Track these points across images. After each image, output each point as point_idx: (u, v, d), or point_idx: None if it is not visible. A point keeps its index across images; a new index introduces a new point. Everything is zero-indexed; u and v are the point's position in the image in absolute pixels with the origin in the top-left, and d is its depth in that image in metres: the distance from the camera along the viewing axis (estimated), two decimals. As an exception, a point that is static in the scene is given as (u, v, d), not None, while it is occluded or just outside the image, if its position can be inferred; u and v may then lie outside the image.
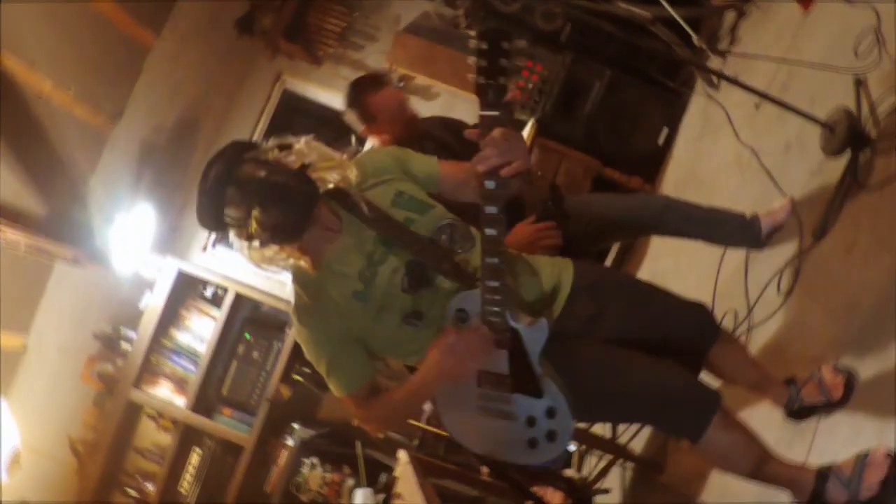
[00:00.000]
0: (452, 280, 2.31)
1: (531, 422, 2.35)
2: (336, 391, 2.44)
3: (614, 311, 2.44)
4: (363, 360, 2.42)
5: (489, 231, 2.14)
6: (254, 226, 2.20)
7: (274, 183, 2.21)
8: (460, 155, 3.65)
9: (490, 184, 2.09)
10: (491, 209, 2.11)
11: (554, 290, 2.43)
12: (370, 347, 2.41)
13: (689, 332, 2.50)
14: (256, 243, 2.26)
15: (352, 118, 3.62)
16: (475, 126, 2.14)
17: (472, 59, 1.96)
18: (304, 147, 2.29)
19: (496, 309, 2.23)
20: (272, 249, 2.28)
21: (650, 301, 2.53)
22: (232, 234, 2.28)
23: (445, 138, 3.72)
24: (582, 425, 3.63)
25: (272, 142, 2.31)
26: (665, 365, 2.37)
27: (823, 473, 2.33)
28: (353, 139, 4.07)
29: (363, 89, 3.61)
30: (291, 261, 2.34)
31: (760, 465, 2.38)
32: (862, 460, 2.29)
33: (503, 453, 2.51)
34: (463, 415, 2.43)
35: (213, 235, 5.98)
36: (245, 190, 2.21)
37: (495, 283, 2.19)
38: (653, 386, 2.32)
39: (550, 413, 2.33)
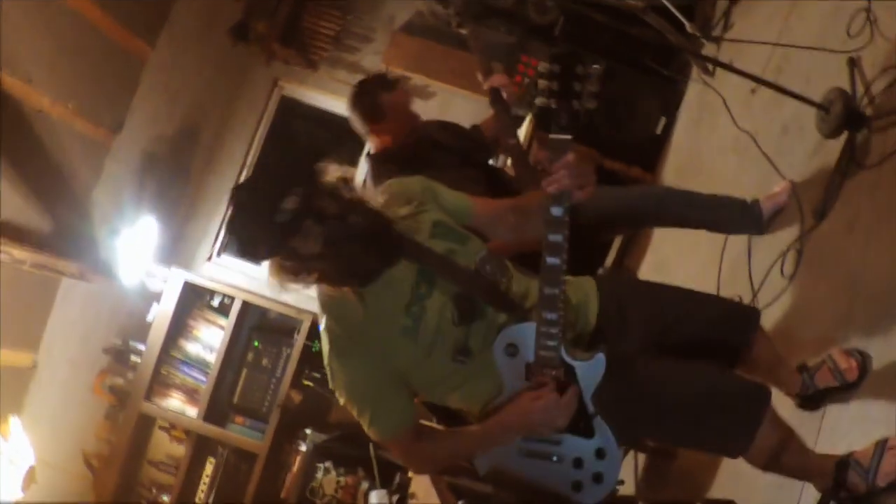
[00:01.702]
0: (500, 311, 2.21)
1: (578, 463, 2.23)
2: (380, 434, 2.27)
3: (641, 318, 2.35)
4: (408, 401, 2.28)
5: (551, 260, 2.03)
6: (324, 265, 2.07)
7: (359, 226, 2.08)
8: (458, 154, 3.67)
9: (556, 210, 2.00)
10: (555, 237, 2.01)
11: (584, 306, 2.34)
12: (412, 385, 2.28)
13: (724, 325, 2.41)
14: (299, 277, 2.10)
15: (357, 116, 3.60)
16: (542, 147, 2.10)
17: (542, 83, 1.92)
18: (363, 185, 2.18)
19: (552, 343, 2.11)
20: (308, 281, 2.14)
21: (677, 300, 2.44)
22: (277, 265, 2.10)
23: (446, 140, 3.73)
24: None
25: (333, 169, 2.15)
26: (710, 367, 2.28)
27: (843, 462, 2.30)
28: (367, 150, 4.03)
29: (375, 89, 3.59)
30: (325, 289, 2.21)
31: (789, 456, 2.31)
32: (880, 447, 2.27)
33: (542, 499, 2.35)
34: (502, 458, 2.28)
35: (218, 245, 5.99)
36: (330, 229, 2.05)
37: (553, 316, 2.08)
38: (697, 391, 2.20)
39: (600, 454, 2.21)
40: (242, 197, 2.10)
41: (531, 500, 2.37)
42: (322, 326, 2.26)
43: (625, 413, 2.21)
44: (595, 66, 1.95)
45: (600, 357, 2.15)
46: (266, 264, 2.14)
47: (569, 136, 1.99)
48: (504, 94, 3.52)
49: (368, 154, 3.71)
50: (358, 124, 3.62)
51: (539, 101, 1.97)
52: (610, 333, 2.31)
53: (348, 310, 2.19)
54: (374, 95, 3.56)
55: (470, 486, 3.71)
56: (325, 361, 2.26)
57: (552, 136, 1.98)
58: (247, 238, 2.09)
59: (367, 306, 2.18)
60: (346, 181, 2.16)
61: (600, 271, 4.83)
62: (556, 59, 1.92)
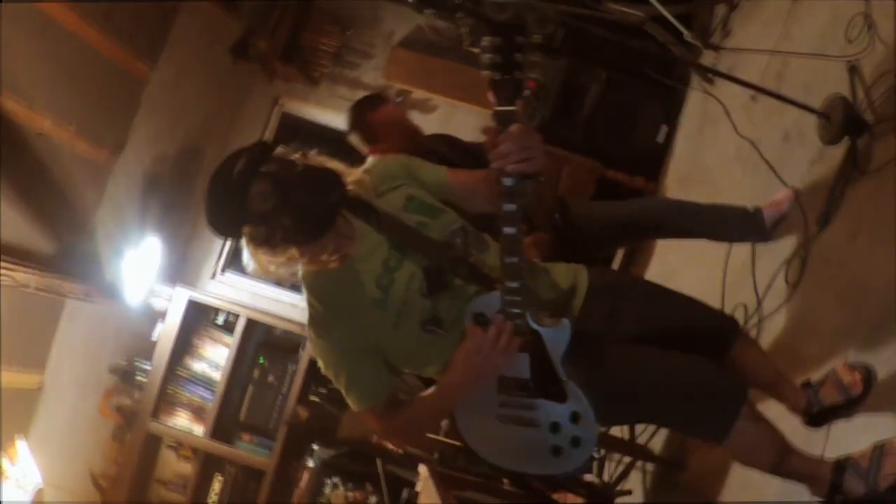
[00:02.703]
0: (470, 282, 2.26)
1: (555, 428, 2.28)
2: (355, 405, 2.36)
3: (632, 309, 2.40)
4: (383, 372, 2.34)
5: (508, 229, 2.06)
6: (282, 219, 2.08)
7: (307, 173, 2.13)
8: (461, 167, 3.67)
9: (508, 180, 2.01)
10: (509, 206, 2.04)
11: (571, 287, 2.40)
12: (388, 359, 2.35)
13: (709, 329, 2.46)
14: (271, 246, 2.13)
15: (356, 140, 3.62)
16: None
17: (485, 55, 1.90)
18: (318, 156, 2.23)
19: (517, 310, 2.16)
20: (284, 255, 2.16)
21: (667, 299, 2.50)
22: (247, 236, 2.14)
23: (447, 153, 3.73)
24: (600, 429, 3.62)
25: (287, 148, 2.22)
26: (689, 357, 2.31)
27: (840, 466, 2.30)
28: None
29: (363, 109, 3.62)
30: (302, 268, 2.27)
31: (782, 458, 2.35)
32: (879, 450, 2.26)
33: (526, 465, 2.44)
34: (482, 425, 2.36)
35: (221, 262, 5.99)
36: (276, 180, 2.09)
37: (515, 284, 2.12)
38: (678, 379, 2.26)
39: (575, 418, 2.26)
40: (208, 185, 2.17)
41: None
42: (304, 300, 2.33)
43: (605, 395, 2.25)
44: (536, 34, 1.93)
45: (565, 322, 2.20)
46: (250, 258, 2.18)
47: (512, 108, 1.97)
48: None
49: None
50: (357, 147, 3.64)
51: (483, 73, 1.94)
52: (594, 320, 2.36)
53: (325, 284, 2.28)
54: (363, 116, 3.58)
55: (476, 498, 3.71)
56: (307, 330, 2.34)
57: (497, 108, 1.96)
58: (210, 213, 2.16)
59: (342, 278, 2.26)
60: (304, 155, 2.21)
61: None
62: (496, 31, 1.89)
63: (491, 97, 1.94)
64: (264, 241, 2.13)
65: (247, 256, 2.19)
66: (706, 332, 2.45)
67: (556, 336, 2.21)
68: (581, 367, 2.25)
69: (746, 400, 2.28)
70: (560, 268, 2.47)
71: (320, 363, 2.36)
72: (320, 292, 2.30)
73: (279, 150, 2.21)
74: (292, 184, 2.10)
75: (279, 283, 5.95)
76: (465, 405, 2.35)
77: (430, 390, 2.36)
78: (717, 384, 2.30)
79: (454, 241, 2.30)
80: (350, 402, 2.37)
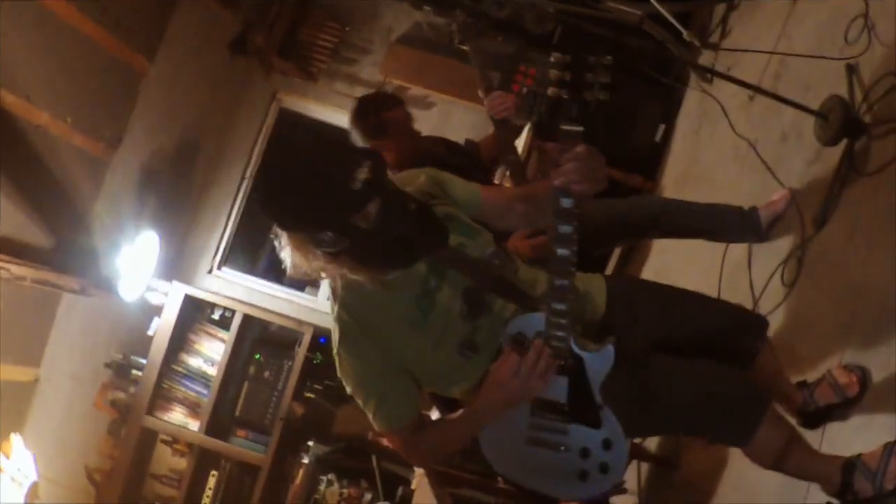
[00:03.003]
0: (511, 301, 2.20)
1: (585, 453, 2.21)
2: (383, 427, 2.27)
3: (649, 315, 2.35)
4: (412, 394, 2.27)
5: (561, 251, 2.00)
6: (370, 243, 2.01)
7: (423, 211, 2.08)
8: (457, 171, 3.68)
9: (566, 201, 1.96)
10: (565, 228, 1.98)
11: (591, 303, 2.34)
12: (416, 377, 2.28)
13: (732, 330, 2.41)
14: (337, 256, 2.05)
15: (358, 131, 3.61)
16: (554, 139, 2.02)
17: (553, 73, 1.88)
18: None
19: (561, 334, 2.09)
20: (337, 266, 2.09)
21: (685, 300, 2.44)
22: (315, 238, 2.03)
23: (444, 155, 3.73)
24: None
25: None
26: (711, 365, 2.28)
27: (850, 465, 2.28)
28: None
29: (378, 106, 3.61)
30: (340, 279, 2.18)
31: (798, 458, 2.32)
32: (888, 450, 2.25)
33: (548, 486, 2.36)
34: (509, 446, 2.27)
35: (218, 258, 5.99)
36: (392, 205, 2.02)
37: (562, 307, 2.06)
38: (702, 388, 2.22)
39: (607, 445, 2.20)
40: (316, 162, 2.03)
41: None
42: (333, 314, 2.24)
43: (631, 408, 2.21)
44: (608, 56, 1.91)
45: (609, 349, 2.14)
46: (298, 256, 2.08)
47: (580, 128, 1.95)
48: (504, 115, 3.56)
49: None
50: (358, 139, 3.63)
51: (551, 91, 1.91)
52: (617, 328, 2.29)
53: (361, 299, 2.18)
54: (376, 112, 3.57)
55: (472, 496, 3.70)
56: (334, 350, 2.25)
57: (563, 126, 1.94)
58: (309, 203, 2.01)
59: (380, 297, 2.17)
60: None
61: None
62: (569, 49, 1.89)
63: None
64: (337, 251, 2.05)
65: (289, 254, 2.08)
66: (729, 335, 2.40)
67: (599, 362, 2.15)
68: (606, 384, 2.19)
69: (770, 405, 2.25)
70: (578, 281, 2.32)
71: (347, 383, 2.27)
72: (355, 310, 2.20)
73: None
74: (405, 215, 2.04)
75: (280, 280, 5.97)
76: (493, 424, 2.27)
77: (460, 412, 2.27)
78: (741, 391, 2.26)
79: (493, 261, 2.23)
80: (377, 423, 2.28)
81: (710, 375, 2.25)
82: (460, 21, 3.58)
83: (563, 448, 2.23)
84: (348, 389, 2.27)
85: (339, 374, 2.27)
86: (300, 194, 2.02)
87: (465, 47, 3.71)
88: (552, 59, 1.90)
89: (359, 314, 2.20)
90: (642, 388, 2.21)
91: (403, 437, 2.30)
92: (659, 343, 2.32)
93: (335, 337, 2.24)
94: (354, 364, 2.23)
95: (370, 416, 2.27)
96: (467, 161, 3.78)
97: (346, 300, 2.21)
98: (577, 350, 2.14)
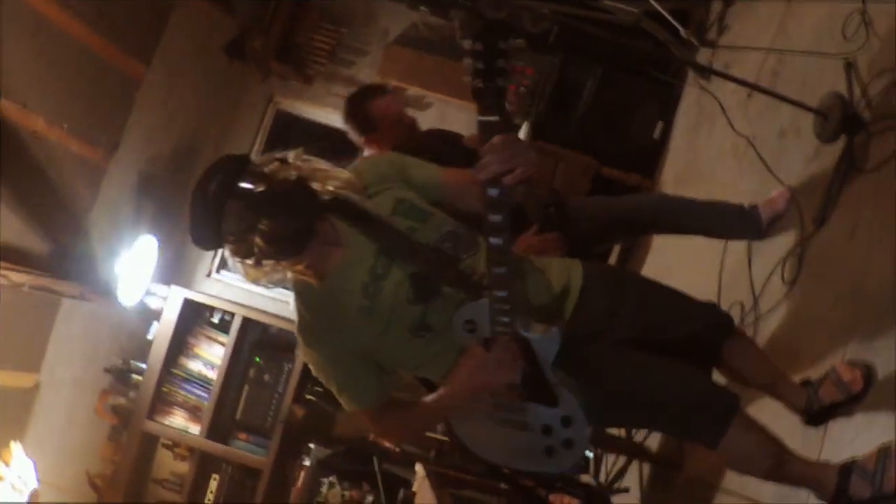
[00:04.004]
0: (458, 290, 2.23)
1: (547, 431, 2.30)
2: (349, 408, 2.39)
3: (630, 304, 2.39)
4: (375, 375, 2.34)
5: (494, 240, 2.05)
6: (257, 240, 2.10)
7: (276, 194, 2.12)
8: (453, 164, 3.66)
9: (493, 192, 1.99)
10: (495, 217, 2.02)
11: (564, 289, 2.38)
12: (380, 362, 2.35)
13: (703, 326, 2.45)
14: (253, 260, 2.15)
15: (351, 128, 3.60)
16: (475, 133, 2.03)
17: (467, 62, 1.85)
18: (299, 160, 2.21)
19: (506, 319, 2.16)
20: (270, 265, 2.18)
21: (662, 294, 2.50)
22: (229, 251, 2.18)
23: (440, 148, 3.71)
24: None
25: (265, 156, 2.22)
26: (683, 368, 2.33)
27: (846, 469, 2.29)
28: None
29: (363, 98, 3.60)
30: (291, 275, 2.27)
31: (780, 465, 2.34)
32: (885, 452, 2.25)
33: (520, 463, 2.49)
34: (477, 426, 2.39)
35: (217, 261, 5.99)
36: (248, 202, 2.11)
37: (503, 294, 2.12)
38: (672, 391, 2.27)
39: (566, 421, 2.27)
40: (190, 201, 2.19)
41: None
42: (292, 303, 2.34)
43: (595, 399, 2.27)
44: (518, 39, 1.88)
45: (555, 331, 2.20)
46: (237, 267, 2.21)
47: (495, 118, 1.92)
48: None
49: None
50: (353, 136, 3.62)
51: (465, 81, 1.88)
52: (594, 311, 2.36)
53: (312, 292, 2.27)
54: (363, 105, 3.57)
55: (473, 497, 3.71)
56: (297, 336, 2.37)
57: (480, 118, 1.92)
58: (192, 230, 2.19)
59: (327, 287, 2.25)
60: (278, 160, 2.20)
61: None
62: (478, 37, 1.83)
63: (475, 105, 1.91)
64: (245, 256, 2.15)
65: (232, 264, 2.22)
66: (699, 331, 2.45)
67: (546, 344, 2.21)
68: (574, 369, 2.26)
69: (737, 410, 2.28)
70: (554, 267, 2.44)
71: (316, 374, 2.39)
72: (308, 300, 2.30)
73: (262, 157, 2.20)
74: (265, 203, 2.11)
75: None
76: (461, 408, 2.38)
77: (431, 397, 2.36)
78: (708, 395, 2.31)
79: (444, 245, 2.27)
80: (344, 402, 2.40)
81: (678, 375, 2.31)
82: (463, 17, 3.56)
83: (525, 426, 2.31)
84: (315, 374, 2.39)
85: (302, 358, 2.37)
86: (189, 221, 2.19)
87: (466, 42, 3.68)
88: (465, 47, 1.86)
89: (312, 304, 2.30)
90: (606, 380, 2.28)
91: (372, 416, 2.42)
92: (633, 339, 2.36)
93: (296, 329, 2.36)
94: (313, 352, 2.35)
95: (338, 397, 2.40)
96: (464, 153, 3.76)
97: (299, 292, 2.31)
98: (524, 333, 2.19)
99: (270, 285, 2.29)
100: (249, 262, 2.16)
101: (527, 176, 2.01)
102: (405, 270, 2.24)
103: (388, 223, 2.25)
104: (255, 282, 2.24)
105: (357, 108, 3.59)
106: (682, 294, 2.52)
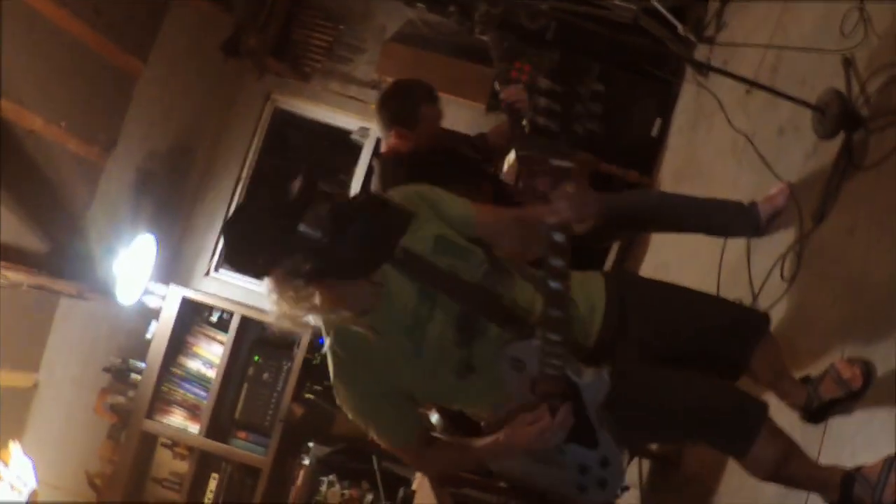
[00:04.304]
0: (506, 330, 2.18)
1: (583, 470, 2.27)
2: (385, 445, 2.32)
3: (643, 322, 2.34)
4: (412, 412, 2.31)
5: (555, 285, 2.00)
6: (327, 251, 1.95)
7: (372, 205, 2.04)
8: (473, 167, 3.65)
9: (559, 237, 1.96)
10: (557, 262, 1.98)
11: (589, 311, 2.33)
12: (416, 396, 2.30)
13: (729, 330, 2.41)
14: (304, 281, 1.99)
15: (387, 112, 3.56)
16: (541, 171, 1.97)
17: (542, 100, 1.85)
18: None
19: (556, 363, 2.10)
20: (308, 301, 2.03)
21: (682, 305, 2.44)
22: (276, 273, 2.01)
23: (460, 151, 3.71)
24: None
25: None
26: (708, 380, 2.29)
27: (850, 477, 2.27)
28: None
29: (418, 96, 3.56)
30: (327, 316, 2.16)
31: (796, 470, 2.31)
32: (889, 463, 2.24)
33: (549, 492, 2.43)
34: (513, 461, 2.32)
35: (215, 260, 5.97)
36: (333, 204, 1.97)
37: (557, 338, 2.07)
38: (697, 403, 2.22)
39: (604, 462, 2.24)
40: (249, 204, 2.12)
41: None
42: (326, 345, 2.25)
43: (622, 420, 2.22)
44: (599, 84, 1.88)
45: (605, 376, 2.14)
46: (267, 280, 2.05)
47: (570, 164, 1.90)
48: (518, 106, 3.53)
49: (378, 154, 3.69)
50: (382, 119, 3.58)
51: (542, 121, 1.86)
52: (613, 340, 2.30)
53: (352, 334, 2.18)
54: (416, 102, 3.53)
55: (473, 496, 3.69)
56: (332, 380, 2.27)
57: (553, 162, 1.90)
58: (250, 241, 2.02)
59: (370, 330, 2.16)
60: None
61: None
62: (557, 78, 1.86)
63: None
64: (297, 275, 1.99)
65: (275, 303, 2.05)
66: (726, 335, 2.41)
67: (594, 389, 2.15)
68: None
69: (766, 419, 2.24)
70: (575, 286, 2.24)
71: (346, 410, 2.30)
72: (346, 341, 2.20)
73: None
74: (357, 211, 2.01)
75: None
76: None
77: (482, 443, 2.27)
78: (737, 406, 2.25)
79: (488, 281, 2.21)
80: (381, 440, 2.32)
81: (703, 390, 2.26)
82: (482, 11, 3.55)
83: (563, 465, 2.27)
84: (349, 416, 2.30)
85: (337, 402, 2.30)
86: (247, 234, 2.03)
87: (484, 37, 3.67)
88: (541, 86, 1.86)
89: (351, 349, 2.21)
90: (631, 400, 2.21)
91: (409, 453, 2.37)
92: (654, 350, 2.32)
93: (330, 368, 2.26)
94: (350, 394, 2.27)
95: (376, 438, 2.32)
96: (479, 155, 3.77)
97: (338, 335, 2.21)
98: (574, 378, 2.14)
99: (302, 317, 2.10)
100: (294, 288, 2.00)
101: (594, 224, 2.03)
102: (449, 311, 2.17)
103: (431, 262, 2.18)
104: (281, 322, 2.08)
105: (408, 100, 3.54)
106: (705, 294, 2.50)
